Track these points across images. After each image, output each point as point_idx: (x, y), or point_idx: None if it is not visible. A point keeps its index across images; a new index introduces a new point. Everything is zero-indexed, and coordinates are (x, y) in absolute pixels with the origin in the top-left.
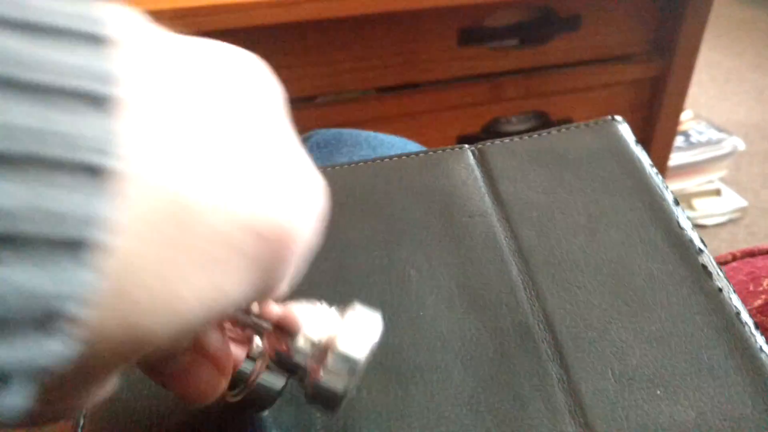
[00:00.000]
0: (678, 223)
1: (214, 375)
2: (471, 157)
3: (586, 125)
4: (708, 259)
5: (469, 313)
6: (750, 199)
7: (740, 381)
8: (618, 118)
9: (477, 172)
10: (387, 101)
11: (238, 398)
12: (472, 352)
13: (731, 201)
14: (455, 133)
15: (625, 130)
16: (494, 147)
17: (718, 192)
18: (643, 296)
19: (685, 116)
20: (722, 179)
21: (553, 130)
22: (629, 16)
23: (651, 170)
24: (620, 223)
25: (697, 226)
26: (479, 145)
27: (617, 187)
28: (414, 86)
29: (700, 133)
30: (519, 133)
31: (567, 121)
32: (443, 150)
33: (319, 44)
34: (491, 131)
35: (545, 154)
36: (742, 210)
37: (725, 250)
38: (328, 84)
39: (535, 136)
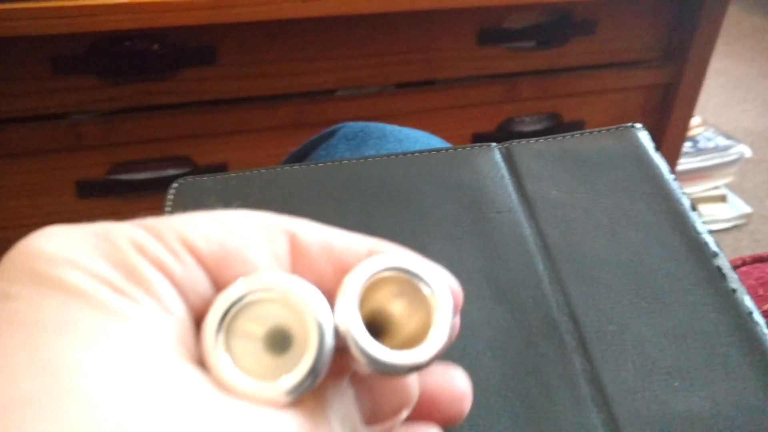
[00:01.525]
0: (695, 227)
1: None
2: (498, 155)
3: (608, 130)
4: (723, 261)
5: (497, 305)
6: (755, 206)
7: (752, 375)
8: (638, 125)
9: (504, 170)
10: (405, 97)
11: None
12: (500, 342)
13: (736, 207)
14: (470, 131)
15: (644, 137)
16: (520, 147)
17: (723, 198)
18: (661, 294)
19: (694, 122)
20: (728, 185)
21: (576, 134)
22: (644, 22)
23: (669, 176)
24: (640, 224)
25: None
26: (506, 144)
27: (637, 191)
28: (432, 83)
29: (708, 139)
30: (533, 133)
31: (579, 122)
32: (471, 147)
33: (340, 39)
34: (505, 130)
35: (569, 156)
36: (747, 216)
37: (730, 256)
38: (347, 78)
39: (560, 138)
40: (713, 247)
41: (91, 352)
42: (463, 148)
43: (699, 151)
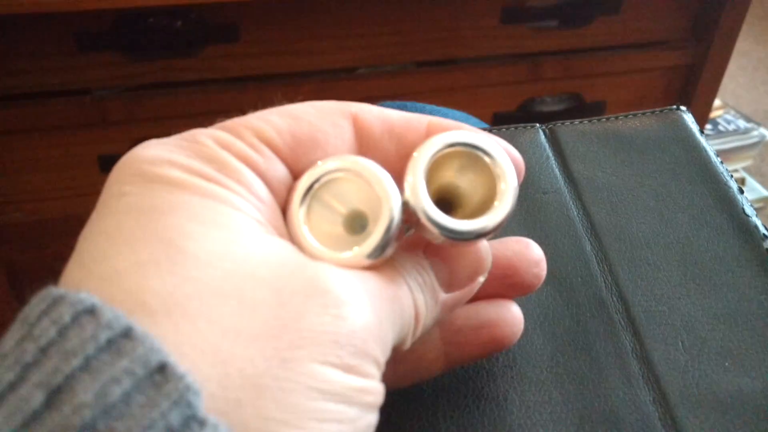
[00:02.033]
0: (743, 209)
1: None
2: (542, 136)
3: (652, 112)
4: None
5: (545, 284)
6: None
7: None
8: (683, 107)
9: (549, 151)
10: (426, 76)
11: None
12: (549, 320)
13: (755, 191)
14: (491, 110)
15: (690, 120)
16: (564, 128)
17: (742, 181)
18: (710, 276)
19: (715, 104)
20: (746, 169)
21: (620, 116)
22: (669, 1)
23: (716, 159)
24: (687, 206)
25: None
26: (550, 125)
27: (683, 173)
28: (453, 62)
29: (729, 122)
30: (554, 113)
31: (601, 103)
32: (515, 127)
33: (362, 17)
34: (526, 110)
35: (613, 138)
36: (765, 200)
37: None
38: (368, 56)
39: (603, 119)
40: (762, 230)
41: (196, 224)
42: (507, 128)
43: (719, 134)
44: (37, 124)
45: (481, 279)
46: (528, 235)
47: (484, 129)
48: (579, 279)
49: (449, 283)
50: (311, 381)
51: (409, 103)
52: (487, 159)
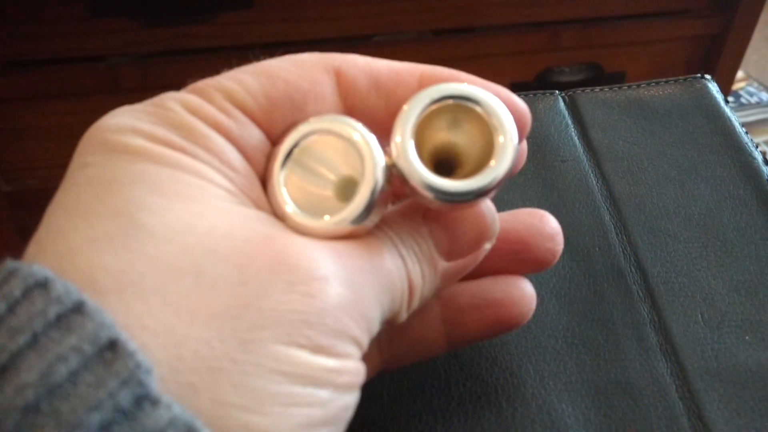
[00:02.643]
0: (767, 182)
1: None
2: (562, 104)
3: (676, 81)
4: None
5: (563, 253)
6: None
7: None
8: (707, 76)
9: (568, 119)
10: (443, 44)
11: None
12: (566, 290)
13: None
14: (508, 80)
15: (714, 89)
16: (584, 95)
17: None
18: (731, 248)
19: (737, 76)
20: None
21: (643, 84)
22: None
23: (741, 129)
24: (710, 177)
25: None
26: (569, 92)
27: (707, 143)
28: (470, 30)
29: (751, 94)
30: (573, 83)
31: (620, 74)
32: (534, 94)
33: None
34: (544, 80)
35: (635, 106)
36: None
37: None
38: (384, 23)
39: (625, 87)
40: None
41: (157, 196)
42: (526, 95)
43: (741, 106)
44: (50, 90)
45: (488, 246)
46: (545, 204)
47: None
48: (597, 249)
49: (450, 251)
50: (274, 363)
51: None
52: (480, 110)
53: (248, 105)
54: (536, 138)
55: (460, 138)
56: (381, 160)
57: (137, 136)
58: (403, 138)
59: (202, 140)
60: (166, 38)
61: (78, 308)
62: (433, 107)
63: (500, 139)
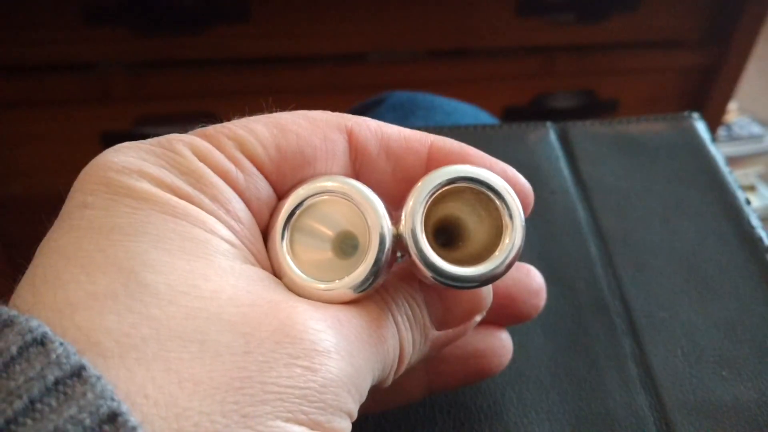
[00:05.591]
0: (749, 221)
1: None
2: (553, 135)
3: (664, 118)
4: None
5: (549, 284)
6: None
7: None
8: (695, 114)
9: (558, 151)
10: (437, 65)
11: None
12: (551, 320)
13: (764, 198)
14: (502, 104)
15: (702, 127)
16: (576, 128)
17: (752, 188)
18: (712, 284)
19: (730, 108)
20: (758, 175)
21: (632, 119)
22: (688, 1)
23: (725, 169)
24: (694, 214)
25: None
26: (561, 124)
27: (692, 181)
28: (465, 53)
29: (742, 126)
30: (567, 109)
31: (614, 101)
32: (527, 124)
33: (375, 1)
34: (538, 105)
35: (625, 142)
36: None
37: None
38: (379, 42)
39: (615, 121)
40: (767, 241)
41: (161, 252)
42: (518, 125)
43: (732, 138)
44: (40, 97)
45: (478, 318)
46: (533, 235)
47: (494, 125)
48: (582, 281)
49: (442, 321)
50: None
51: (419, 95)
52: (492, 196)
53: (258, 156)
54: (527, 169)
55: (466, 213)
56: (388, 230)
57: (143, 179)
58: (414, 220)
59: (210, 189)
60: (158, 48)
61: (77, 373)
62: (446, 188)
63: (507, 240)
